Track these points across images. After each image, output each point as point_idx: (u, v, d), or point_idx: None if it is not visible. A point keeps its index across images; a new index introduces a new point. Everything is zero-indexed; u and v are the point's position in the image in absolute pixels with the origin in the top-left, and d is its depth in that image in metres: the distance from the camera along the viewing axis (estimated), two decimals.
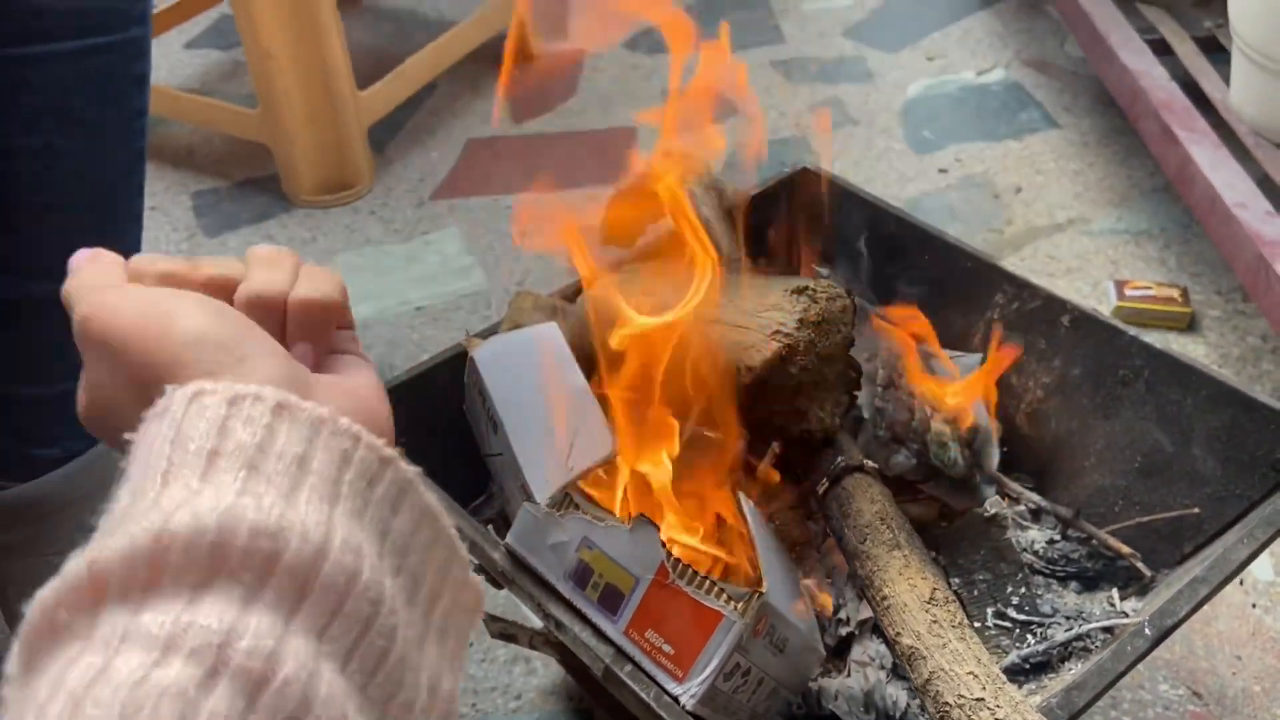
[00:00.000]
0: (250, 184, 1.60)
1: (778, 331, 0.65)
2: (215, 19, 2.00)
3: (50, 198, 0.78)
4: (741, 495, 0.63)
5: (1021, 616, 0.79)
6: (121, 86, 0.81)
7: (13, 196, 0.77)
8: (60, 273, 0.42)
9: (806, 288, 0.67)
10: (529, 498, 0.71)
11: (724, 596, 0.57)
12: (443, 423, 0.82)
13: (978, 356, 0.89)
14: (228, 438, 0.31)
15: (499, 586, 0.69)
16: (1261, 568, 1.00)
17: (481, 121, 1.71)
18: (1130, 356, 0.81)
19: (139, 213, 0.86)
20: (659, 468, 0.65)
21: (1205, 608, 0.95)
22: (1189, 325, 1.26)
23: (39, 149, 0.77)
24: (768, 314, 0.66)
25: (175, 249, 1.48)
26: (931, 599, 0.62)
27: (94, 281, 0.40)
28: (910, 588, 0.62)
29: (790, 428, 0.69)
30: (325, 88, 1.47)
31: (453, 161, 1.63)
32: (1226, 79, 1.30)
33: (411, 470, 0.34)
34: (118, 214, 0.83)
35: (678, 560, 0.58)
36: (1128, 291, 1.28)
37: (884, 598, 0.63)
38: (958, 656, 0.61)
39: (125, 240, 0.83)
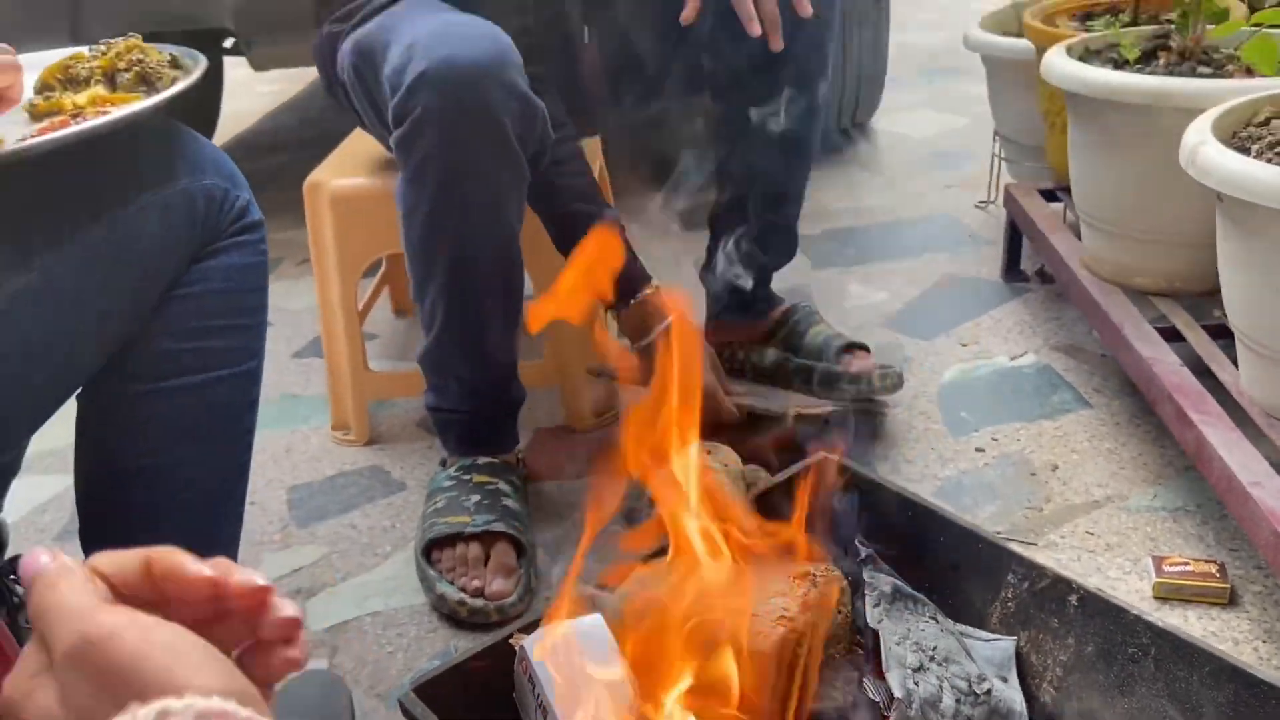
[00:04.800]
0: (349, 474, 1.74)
1: (782, 616, 0.72)
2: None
3: (162, 511, 0.90)
4: None
5: None
6: (237, 411, 0.95)
7: (125, 513, 0.89)
8: None
9: (808, 573, 0.75)
10: None
11: None
12: (492, 709, 0.88)
13: (996, 637, 0.94)
14: None
15: None
16: None
17: None
18: (1137, 634, 0.85)
19: (240, 514, 0.99)
20: None
21: None
22: (1230, 600, 1.28)
23: (157, 467, 0.90)
24: (774, 600, 0.74)
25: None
26: None
27: (77, 600, 0.40)
28: None
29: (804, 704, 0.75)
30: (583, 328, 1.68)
31: None
32: (1236, 362, 1.38)
33: None
34: (220, 521, 0.95)
35: None
36: (1166, 568, 1.31)
37: None
38: None
39: (223, 546, 0.95)
